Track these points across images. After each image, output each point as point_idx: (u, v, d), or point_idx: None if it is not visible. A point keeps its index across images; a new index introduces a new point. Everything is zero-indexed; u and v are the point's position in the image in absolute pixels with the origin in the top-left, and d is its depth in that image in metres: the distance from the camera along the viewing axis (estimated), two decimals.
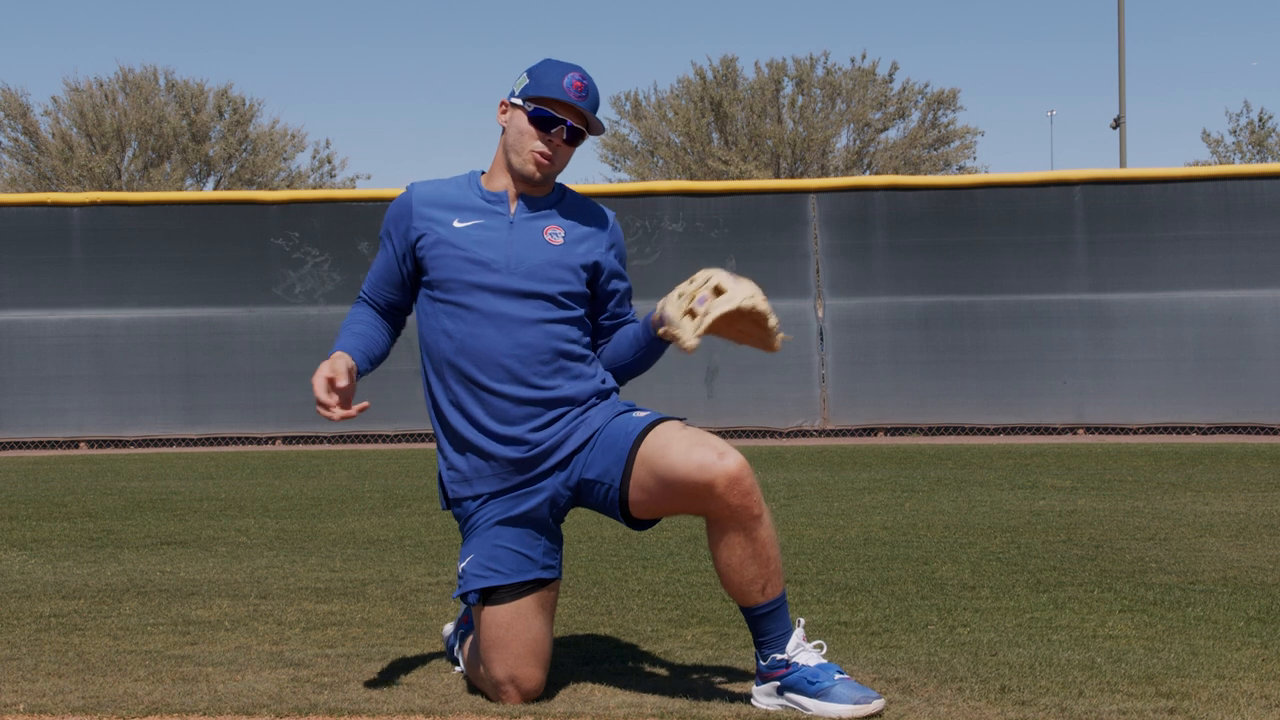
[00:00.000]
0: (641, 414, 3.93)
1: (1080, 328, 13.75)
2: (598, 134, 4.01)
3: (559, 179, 4.11)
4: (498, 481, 3.94)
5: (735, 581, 3.80)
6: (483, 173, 4.10)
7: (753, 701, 3.83)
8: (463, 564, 3.96)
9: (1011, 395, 13.79)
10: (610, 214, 4.15)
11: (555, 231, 4.02)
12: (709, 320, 3.78)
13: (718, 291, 3.81)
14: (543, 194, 4.06)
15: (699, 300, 3.81)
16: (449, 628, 4.40)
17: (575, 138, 3.98)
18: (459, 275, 3.95)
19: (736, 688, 3.97)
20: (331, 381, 3.84)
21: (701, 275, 3.87)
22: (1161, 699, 3.75)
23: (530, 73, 4.01)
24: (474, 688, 4.03)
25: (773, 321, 3.84)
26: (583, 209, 4.10)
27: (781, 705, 3.79)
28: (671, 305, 3.86)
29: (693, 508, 3.79)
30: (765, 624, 3.81)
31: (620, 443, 3.87)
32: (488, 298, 3.93)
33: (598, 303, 4.11)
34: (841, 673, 3.77)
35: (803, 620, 3.92)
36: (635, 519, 3.93)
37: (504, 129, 4.03)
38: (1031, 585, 5.54)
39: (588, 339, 4.05)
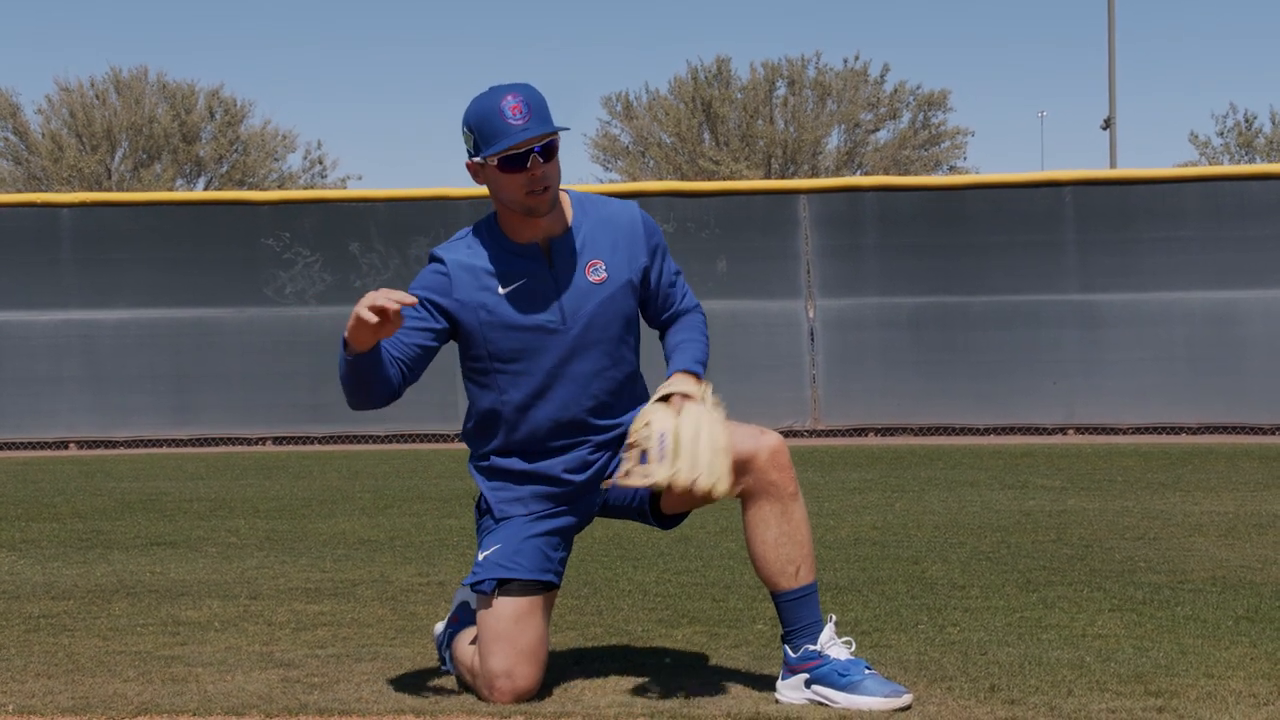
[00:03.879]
0: None
1: (1070, 328, 13.77)
2: (564, 129, 3.84)
3: (571, 192, 4.00)
4: (552, 504, 3.95)
5: (771, 560, 3.80)
6: (493, 216, 3.94)
7: (776, 697, 3.82)
8: (485, 553, 3.93)
9: (1001, 395, 13.80)
10: (632, 208, 4.01)
11: (596, 267, 3.91)
12: (624, 484, 3.71)
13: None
14: (564, 226, 3.91)
15: (642, 456, 3.69)
16: (439, 627, 4.39)
17: (550, 152, 3.83)
18: (519, 344, 3.86)
19: (727, 687, 3.97)
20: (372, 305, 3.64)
21: (648, 424, 3.72)
22: (1150, 697, 3.76)
23: (473, 129, 3.83)
24: (464, 688, 4.02)
25: (704, 491, 3.72)
26: (607, 220, 3.96)
27: (808, 699, 3.78)
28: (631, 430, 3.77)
29: (735, 487, 3.80)
30: (797, 610, 3.81)
31: None
32: (552, 360, 3.87)
33: (654, 305, 4.04)
34: (870, 667, 3.79)
35: (834, 616, 3.92)
36: (663, 515, 3.98)
37: (484, 184, 3.90)
38: (1021, 585, 5.55)
39: (638, 352, 4.05)
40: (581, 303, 3.88)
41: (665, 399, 3.81)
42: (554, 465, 3.94)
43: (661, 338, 4.11)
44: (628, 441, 3.76)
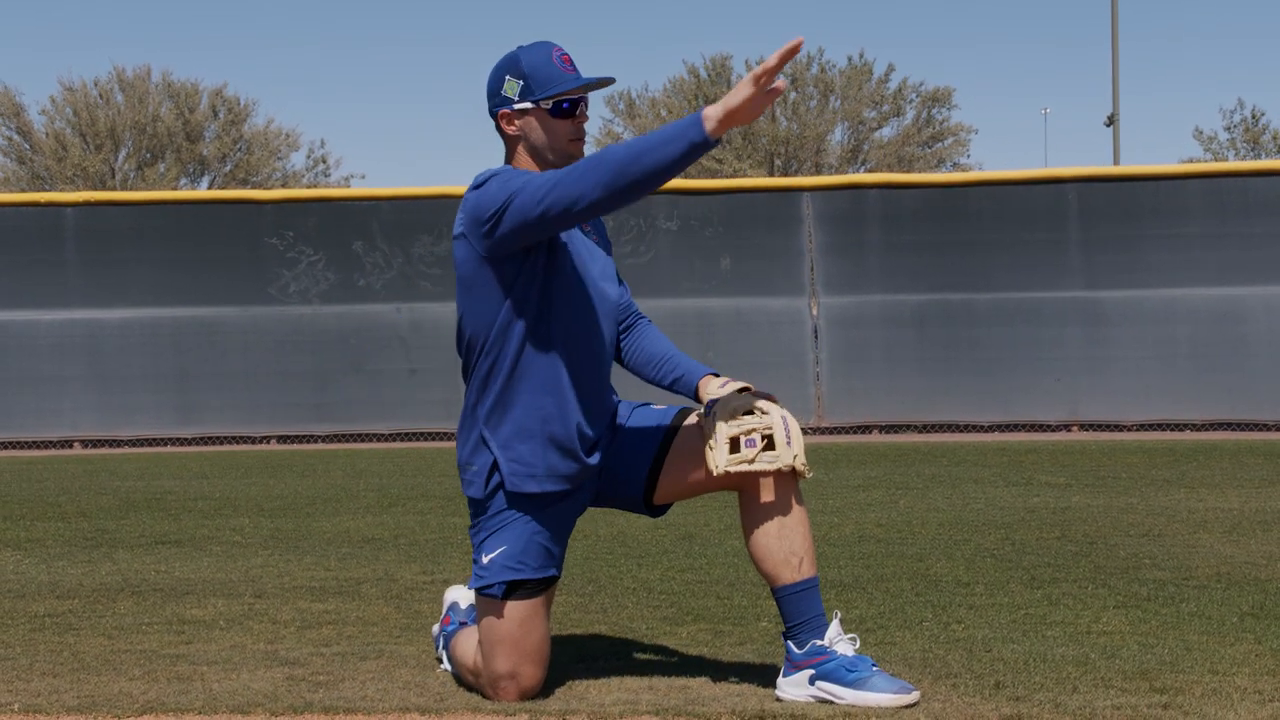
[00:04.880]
0: (661, 406, 4.03)
1: (1074, 325, 13.76)
2: (612, 79, 3.95)
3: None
4: (564, 484, 3.91)
5: (773, 551, 3.79)
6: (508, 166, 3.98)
7: (778, 694, 3.81)
8: (491, 555, 3.88)
9: (1005, 392, 13.80)
10: None
11: (594, 222, 4.07)
12: (747, 470, 3.75)
13: (769, 444, 3.75)
14: None
15: (748, 441, 3.76)
16: (436, 628, 4.40)
17: (586, 104, 3.98)
18: (564, 261, 3.87)
19: (731, 684, 3.97)
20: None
21: (766, 413, 3.78)
22: (1155, 694, 3.76)
23: (526, 75, 3.89)
24: (466, 687, 4.02)
25: (807, 474, 3.82)
26: None
27: (811, 696, 3.76)
28: (724, 421, 3.78)
29: (732, 479, 3.82)
30: (800, 604, 3.79)
31: (651, 430, 3.95)
32: (598, 296, 3.92)
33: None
34: (875, 665, 3.78)
35: (839, 613, 3.91)
36: (654, 505, 3.99)
37: (519, 137, 3.92)
38: (1026, 582, 5.55)
39: None
40: (600, 244, 4.03)
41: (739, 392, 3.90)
42: (583, 453, 3.88)
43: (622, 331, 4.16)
44: (735, 432, 3.77)
